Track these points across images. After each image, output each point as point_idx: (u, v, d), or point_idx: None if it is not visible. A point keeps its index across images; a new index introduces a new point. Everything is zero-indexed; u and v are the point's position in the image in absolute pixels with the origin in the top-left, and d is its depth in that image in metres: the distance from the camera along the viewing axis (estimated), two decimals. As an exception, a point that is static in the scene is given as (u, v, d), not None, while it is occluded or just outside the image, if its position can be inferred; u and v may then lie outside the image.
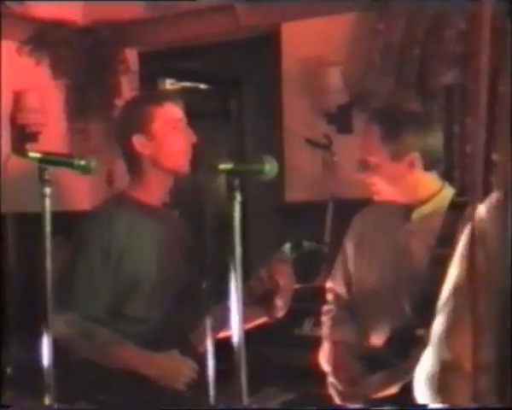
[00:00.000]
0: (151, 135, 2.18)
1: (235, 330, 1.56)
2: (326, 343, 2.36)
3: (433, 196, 2.26)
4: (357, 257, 2.36)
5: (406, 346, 2.11)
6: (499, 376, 1.29)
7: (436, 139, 2.25)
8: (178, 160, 2.21)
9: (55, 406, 1.69)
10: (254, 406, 1.62)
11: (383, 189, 2.23)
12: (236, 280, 1.57)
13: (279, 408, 1.73)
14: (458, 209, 2.23)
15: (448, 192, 2.31)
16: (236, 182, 1.56)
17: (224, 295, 2.12)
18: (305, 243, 2.19)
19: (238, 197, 1.56)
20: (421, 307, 2.12)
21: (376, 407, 2.11)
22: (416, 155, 2.22)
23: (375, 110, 2.34)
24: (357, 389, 2.19)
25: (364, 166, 2.22)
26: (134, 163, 2.22)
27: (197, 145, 2.28)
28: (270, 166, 1.62)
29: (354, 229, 2.42)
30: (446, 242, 2.17)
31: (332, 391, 2.25)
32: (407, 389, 2.04)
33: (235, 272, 1.57)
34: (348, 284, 2.40)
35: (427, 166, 2.22)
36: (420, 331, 2.06)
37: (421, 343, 2.04)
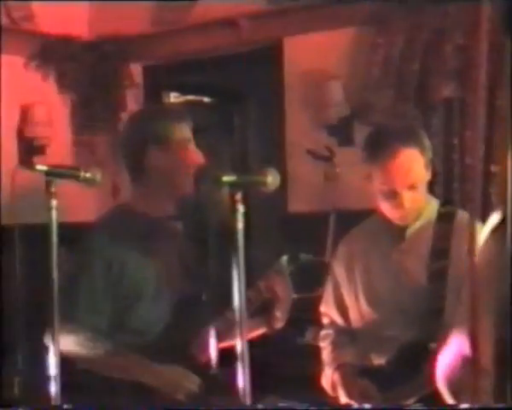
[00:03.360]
0: (167, 149, 2.21)
1: (238, 341, 1.57)
2: (328, 369, 2.35)
3: (423, 208, 2.26)
4: (349, 283, 2.34)
5: (417, 361, 2.11)
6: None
7: (427, 142, 2.22)
8: (185, 180, 2.21)
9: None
10: (260, 406, 1.63)
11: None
12: (239, 291, 1.58)
13: (280, 408, 1.75)
14: (446, 220, 2.24)
15: (434, 204, 2.30)
16: (239, 194, 1.58)
17: (224, 306, 2.16)
18: (302, 256, 2.21)
19: (241, 209, 1.58)
20: (428, 321, 2.13)
21: (378, 407, 2.12)
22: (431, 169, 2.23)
23: (396, 132, 2.24)
24: (373, 404, 2.16)
25: (414, 189, 2.17)
26: (143, 175, 2.23)
27: (204, 163, 2.30)
28: (272, 178, 1.64)
29: (342, 253, 2.40)
30: (440, 254, 2.19)
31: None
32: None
33: (239, 283, 1.57)
34: (342, 310, 2.38)
35: (426, 166, 2.22)
36: (432, 345, 2.05)
37: (433, 356, 2.07)
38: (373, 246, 2.33)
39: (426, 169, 2.20)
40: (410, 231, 2.26)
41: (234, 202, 1.59)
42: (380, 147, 2.17)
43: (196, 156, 2.25)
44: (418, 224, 2.26)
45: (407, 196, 2.16)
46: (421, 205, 2.22)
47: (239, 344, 1.56)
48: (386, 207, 2.22)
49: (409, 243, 2.26)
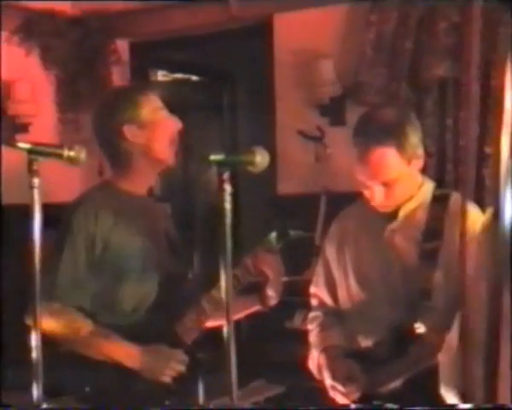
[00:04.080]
0: (141, 124, 2.18)
1: (224, 322, 1.55)
2: (315, 351, 2.34)
3: (416, 191, 2.25)
4: (340, 263, 2.33)
5: (404, 342, 2.11)
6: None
7: (414, 133, 2.19)
8: (167, 148, 2.20)
9: (43, 402, 1.67)
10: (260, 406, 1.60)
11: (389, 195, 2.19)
12: (226, 272, 1.56)
13: (277, 409, 1.72)
14: (440, 202, 2.23)
15: (428, 186, 2.30)
16: (226, 174, 1.56)
17: (210, 285, 2.12)
18: (292, 232, 2.17)
19: (228, 189, 1.56)
20: (417, 303, 2.12)
21: (377, 407, 2.11)
22: (420, 153, 2.21)
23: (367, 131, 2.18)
24: (357, 386, 2.17)
25: (389, 186, 2.16)
26: (120, 154, 2.20)
27: (188, 137, 2.26)
28: (260, 158, 1.61)
29: (334, 233, 2.39)
30: (433, 235, 2.18)
31: (333, 393, 2.23)
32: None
33: (225, 263, 1.55)
34: (332, 291, 2.37)
35: (408, 161, 2.18)
36: (418, 326, 2.05)
37: (420, 338, 2.05)
38: (365, 226, 2.31)
39: (408, 163, 2.17)
40: (402, 212, 2.25)
41: (221, 182, 1.57)
42: (355, 144, 2.18)
43: (172, 123, 2.22)
44: (411, 205, 2.25)
45: (378, 192, 2.17)
46: (398, 198, 2.21)
47: (225, 325, 1.52)
48: (366, 195, 2.24)
49: (401, 223, 2.25)
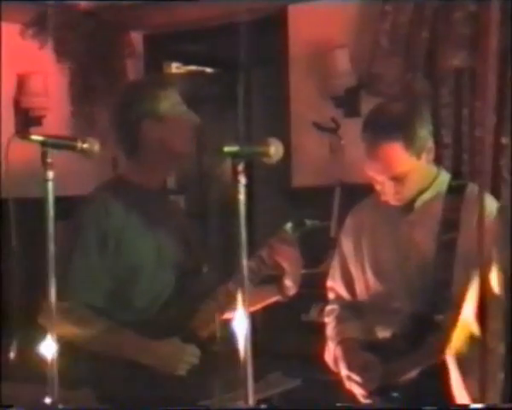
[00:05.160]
0: (160, 118, 2.16)
1: (240, 315, 1.54)
2: (331, 343, 2.33)
3: (431, 182, 2.24)
4: (356, 256, 2.32)
5: (423, 333, 2.10)
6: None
7: (423, 127, 2.17)
8: (184, 144, 2.19)
9: (59, 402, 1.67)
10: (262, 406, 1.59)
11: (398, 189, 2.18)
12: (241, 264, 1.54)
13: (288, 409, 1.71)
14: (456, 193, 2.22)
15: (444, 177, 2.29)
16: (241, 165, 1.54)
17: (225, 278, 2.11)
18: (308, 222, 2.15)
19: (243, 181, 1.54)
20: (436, 294, 2.11)
21: (381, 407, 2.10)
22: (430, 146, 2.18)
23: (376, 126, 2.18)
24: (374, 376, 2.16)
25: (398, 180, 2.16)
26: (137, 147, 2.18)
27: (203, 129, 2.25)
28: (275, 149, 1.59)
29: (350, 226, 2.38)
30: (449, 226, 2.17)
31: (348, 384, 2.23)
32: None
33: (241, 256, 1.54)
34: (349, 285, 2.37)
35: (417, 155, 2.17)
36: (438, 317, 2.04)
37: (439, 329, 2.03)
38: (381, 218, 2.30)
39: (417, 156, 2.16)
40: (418, 203, 2.24)
41: (236, 174, 1.55)
42: (364, 139, 2.18)
43: (190, 118, 2.22)
44: (427, 196, 2.24)
45: (389, 186, 2.17)
46: (409, 192, 2.20)
47: (241, 318, 1.51)
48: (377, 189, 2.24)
49: (417, 214, 2.24)
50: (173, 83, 2.29)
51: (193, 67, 4.87)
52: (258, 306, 2.19)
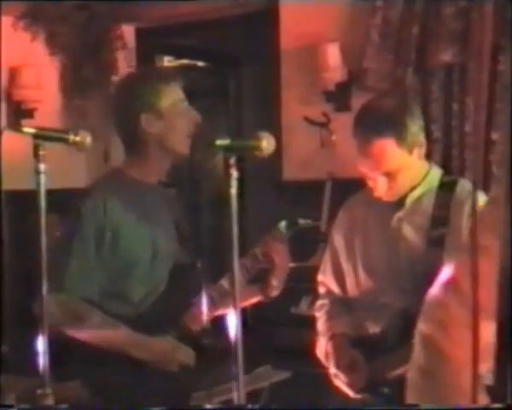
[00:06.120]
0: (160, 114, 2.13)
1: (232, 310, 1.54)
2: (322, 338, 2.34)
3: (423, 178, 2.24)
4: (348, 251, 2.33)
5: (412, 328, 2.11)
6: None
7: (414, 122, 2.18)
8: (183, 141, 2.16)
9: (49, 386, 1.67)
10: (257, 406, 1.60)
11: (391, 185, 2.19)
12: (233, 259, 1.54)
13: (286, 409, 1.72)
14: (448, 188, 2.23)
15: (435, 172, 2.29)
16: (233, 159, 1.54)
17: (218, 274, 2.11)
18: (301, 221, 2.16)
19: (235, 174, 1.54)
20: (424, 289, 2.12)
21: (378, 408, 2.11)
22: (422, 141, 2.19)
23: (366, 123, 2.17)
24: (360, 376, 2.18)
25: (391, 176, 2.17)
26: (135, 142, 2.16)
27: (202, 126, 2.24)
28: (266, 143, 1.58)
29: (342, 221, 2.38)
30: (439, 222, 2.18)
31: (337, 382, 2.24)
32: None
33: (232, 250, 1.54)
34: (340, 280, 2.37)
35: (409, 150, 2.17)
36: None
37: None
38: (372, 214, 2.31)
39: (409, 152, 2.17)
40: (409, 199, 2.24)
41: (228, 167, 1.54)
42: (355, 135, 2.18)
43: (191, 116, 2.19)
44: (418, 191, 2.24)
45: (381, 182, 2.17)
46: (402, 187, 2.21)
47: (233, 313, 1.51)
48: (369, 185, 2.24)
49: (408, 211, 2.24)
50: (176, 77, 2.24)
51: (185, 61, 4.86)
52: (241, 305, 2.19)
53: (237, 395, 1.48)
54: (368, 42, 3.54)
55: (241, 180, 1.56)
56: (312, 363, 2.41)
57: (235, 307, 1.52)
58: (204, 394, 2.00)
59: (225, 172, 1.54)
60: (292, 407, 2.43)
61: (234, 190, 1.53)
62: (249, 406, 1.52)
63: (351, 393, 2.21)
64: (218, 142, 1.55)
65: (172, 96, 2.16)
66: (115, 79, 3.98)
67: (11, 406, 1.82)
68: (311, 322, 2.47)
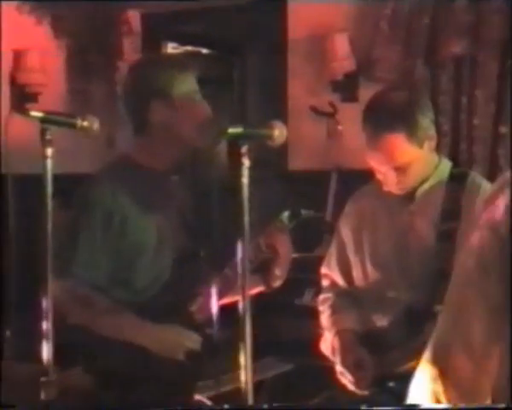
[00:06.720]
0: (170, 103, 2.11)
1: (240, 299, 1.52)
2: (328, 333, 2.31)
3: (433, 171, 2.22)
4: (356, 244, 2.31)
5: (421, 323, 2.08)
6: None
7: (424, 117, 2.15)
8: (192, 131, 2.13)
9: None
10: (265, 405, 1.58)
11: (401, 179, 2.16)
12: (243, 248, 1.52)
13: (290, 408, 1.70)
14: (458, 181, 2.21)
15: (445, 165, 2.27)
16: (244, 147, 1.52)
17: (224, 263, 2.09)
18: (304, 212, 2.14)
19: (246, 163, 1.52)
20: (434, 283, 2.10)
21: (380, 408, 2.10)
22: (432, 134, 2.17)
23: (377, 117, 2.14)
24: (367, 375, 2.15)
25: (401, 170, 2.14)
26: (146, 129, 2.14)
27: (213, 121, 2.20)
28: (279, 132, 1.57)
29: (349, 213, 2.36)
30: (450, 215, 2.16)
31: (343, 379, 2.22)
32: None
33: (242, 239, 1.52)
34: (346, 272, 2.34)
35: (420, 144, 2.15)
36: (437, 307, 2.03)
37: (437, 319, 2.04)
38: (382, 207, 2.29)
39: (420, 146, 2.14)
40: (419, 192, 2.23)
41: (239, 156, 1.52)
42: (365, 129, 2.15)
43: (202, 109, 2.16)
44: (428, 184, 2.23)
45: (391, 176, 2.15)
46: (412, 181, 2.19)
47: (241, 302, 1.49)
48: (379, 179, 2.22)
49: (418, 203, 2.22)
50: (193, 68, 2.20)
51: (190, 48, 4.83)
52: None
53: (245, 384, 1.46)
54: (377, 32, 3.51)
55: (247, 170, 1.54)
56: (315, 355, 2.40)
57: (243, 296, 1.51)
58: (210, 383, 2.00)
59: (237, 161, 1.52)
60: (292, 405, 2.42)
61: (245, 180, 1.51)
62: (249, 405, 1.50)
63: (357, 390, 2.19)
64: (231, 130, 1.54)
65: (186, 86, 2.14)
66: (120, 64, 3.95)
67: (13, 406, 1.81)
68: (314, 313, 2.45)
